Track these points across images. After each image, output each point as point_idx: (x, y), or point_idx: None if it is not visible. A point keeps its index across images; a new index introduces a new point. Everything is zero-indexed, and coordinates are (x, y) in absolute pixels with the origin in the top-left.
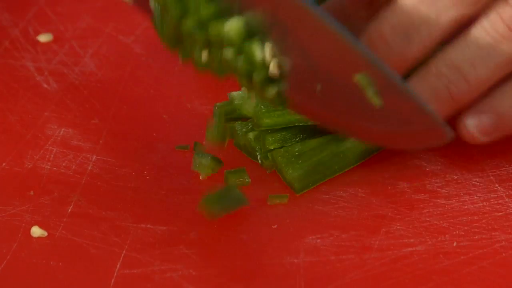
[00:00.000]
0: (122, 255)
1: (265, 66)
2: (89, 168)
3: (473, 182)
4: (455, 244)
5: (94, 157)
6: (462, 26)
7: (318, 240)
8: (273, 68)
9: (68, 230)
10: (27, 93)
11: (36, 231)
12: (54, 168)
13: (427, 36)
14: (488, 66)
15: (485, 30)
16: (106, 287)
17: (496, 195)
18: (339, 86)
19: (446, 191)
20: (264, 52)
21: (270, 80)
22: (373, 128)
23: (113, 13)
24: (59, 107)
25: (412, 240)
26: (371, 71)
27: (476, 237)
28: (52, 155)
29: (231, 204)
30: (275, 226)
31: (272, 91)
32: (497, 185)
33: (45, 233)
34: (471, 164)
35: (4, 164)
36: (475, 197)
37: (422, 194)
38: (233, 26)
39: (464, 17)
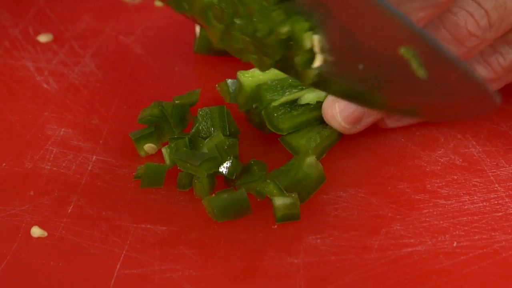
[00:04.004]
0: (122, 255)
1: (309, 51)
2: (89, 168)
3: (473, 182)
4: (455, 244)
5: (94, 157)
6: None
7: (318, 240)
8: (317, 53)
9: (68, 230)
10: (27, 93)
11: (36, 231)
12: (54, 168)
13: None
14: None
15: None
16: (106, 287)
17: (496, 195)
18: (382, 62)
19: (446, 191)
20: (312, 41)
21: (311, 63)
22: (419, 101)
23: (113, 13)
24: (59, 107)
25: (412, 240)
26: (416, 43)
27: (476, 237)
28: (52, 155)
29: (236, 212)
30: (275, 227)
31: (313, 73)
32: (497, 185)
33: (45, 233)
34: (471, 164)
35: (4, 164)
36: (475, 197)
37: (422, 194)
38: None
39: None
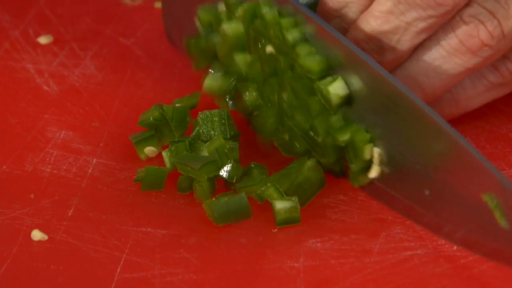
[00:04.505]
0: (123, 259)
1: (366, 161)
2: (90, 171)
3: None
4: (455, 247)
5: (95, 160)
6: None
7: (318, 244)
8: (375, 164)
9: (69, 234)
10: (27, 95)
11: (37, 234)
12: (55, 171)
13: (397, 43)
14: (441, 78)
15: (439, 44)
16: None
17: None
18: (455, 198)
19: None
20: (372, 153)
21: (366, 170)
22: (496, 247)
23: (113, 15)
24: (60, 110)
25: (412, 244)
26: (501, 193)
27: None
28: (52, 158)
29: (237, 215)
30: (275, 230)
31: (366, 180)
32: None
33: (45, 237)
34: None
35: (4, 167)
36: None
37: None
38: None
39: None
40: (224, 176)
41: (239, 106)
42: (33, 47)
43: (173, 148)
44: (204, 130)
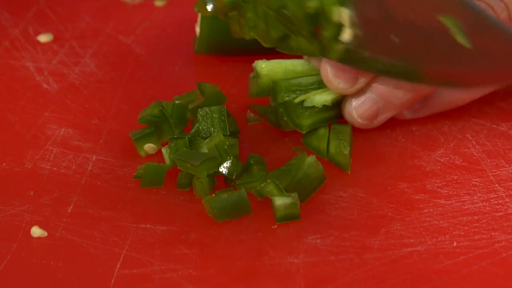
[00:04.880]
0: (122, 255)
1: (337, 24)
2: (89, 168)
3: (473, 182)
4: (455, 244)
5: (94, 157)
6: None
7: (318, 240)
8: (346, 27)
9: (68, 230)
10: (27, 93)
11: (36, 231)
12: (54, 168)
13: None
14: None
15: None
16: (106, 287)
17: (496, 195)
18: (419, 33)
19: (446, 191)
20: (341, 15)
21: (338, 37)
22: (461, 70)
23: (113, 13)
24: (59, 107)
25: (412, 240)
26: (458, 12)
27: (476, 237)
28: (52, 155)
29: (236, 212)
30: (275, 226)
31: (340, 47)
32: (497, 185)
33: (45, 233)
34: (471, 164)
35: (4, 164)
36: (475, 197)
37: (422, 194)
38: None
39: None
40: (223, 172)
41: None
42: (33, 45)
43: (172, 145)
44: (204, 127)
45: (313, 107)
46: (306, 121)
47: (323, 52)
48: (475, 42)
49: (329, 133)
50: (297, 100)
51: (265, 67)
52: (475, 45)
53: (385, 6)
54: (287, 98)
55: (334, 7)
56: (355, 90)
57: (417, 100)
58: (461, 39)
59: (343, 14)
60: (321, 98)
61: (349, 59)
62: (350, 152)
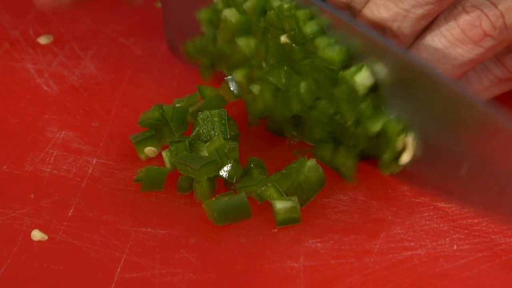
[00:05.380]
0: (123, 259)
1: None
2: (90, 171)
3: None
4: (455, 247)
5: (95, 160)
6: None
7: (318, 244)
8: (408, 153)
9: (69, 234)
10: (27, 95)
11: (37, 234)
12: (55, 171)
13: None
14: (445, 68)
15: (442, 34)
16: None
17: None
18: (497, 177)
19: None
20: (405, 142)
21: (396, 159)
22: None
23: (113, 15)
24: (59, 110)
25: (412, 244)
26: None
27: (476, 240)
28: (52, 158)
29: (237, 215)
30: (275, 230)
31: (398, 169)
32: None
33: (45, 237)
34: None
35: (4, 167)
36: None
37: (422, 198)
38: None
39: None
40: (224, 176)
41: (252, 109)
42: (33, 47)
43: (173, 148)
44: (204, 130)
45: None
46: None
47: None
48: None
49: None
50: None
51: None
52: None
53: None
54: None
55: (399, 137)
56: None
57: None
58: None
59: (407, 141)
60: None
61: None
62: (356, 163)
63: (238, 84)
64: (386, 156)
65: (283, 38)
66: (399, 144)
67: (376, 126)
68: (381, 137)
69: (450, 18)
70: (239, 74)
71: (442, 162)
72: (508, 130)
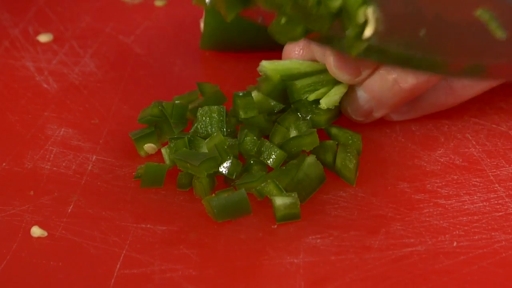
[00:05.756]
0: (122, 255)
1: (361, 24)
2: (89, 168)
3: (473, 182)
4: (455, 244)
5: (94, 157)
6: None
7: (318, 240)
8: (371, 27)
9: (68, 230)
10: (27, 93)
11: (36, 231)
12: (54, 168)
13: None
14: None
15: None
16: (106, 287)
17: (496, 195)
18: (449, 26)
19: (446, 191)
20: (366, 15)
21: (361, 35)
22: (491, 62)
23: (113, 13)
24: (59, 107)
25: (412, 240)
26: (493, 4)
27: (476, 237)
28: (52, 155)
29: (236, 212)
30: (275, 226)
31: (363, 45)
32: (497, 185)
33: (45, 233)
34: (471, 164)
35: (4, 164)
36: (475, 197)
37: (422, 194)
38: None
39: None
40: (223, 172)
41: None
42: (33, 45)
43: (172, 145)
44: (202, 126)
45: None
46: (323, 118)
47: (341, 48)
48: (510, 34)
49: (337, 146)
50: (311, 98)
51: (272, 67)
52: (509, 36)
53: (413, 2)
54: (303, 97)
55: (359, 9)
56: (360, 80)
57: (407, 101)
58: (496, 30)
59: (368, 13)
60: (333, 97)
61: (368, 53)
62: (357, 166)
63: None
64: (350, 32)
65: None
66: (360, 17)
67: (336, 2)
68: (343, 13)
69: None
70: None
71: (401, 29)
72: None
